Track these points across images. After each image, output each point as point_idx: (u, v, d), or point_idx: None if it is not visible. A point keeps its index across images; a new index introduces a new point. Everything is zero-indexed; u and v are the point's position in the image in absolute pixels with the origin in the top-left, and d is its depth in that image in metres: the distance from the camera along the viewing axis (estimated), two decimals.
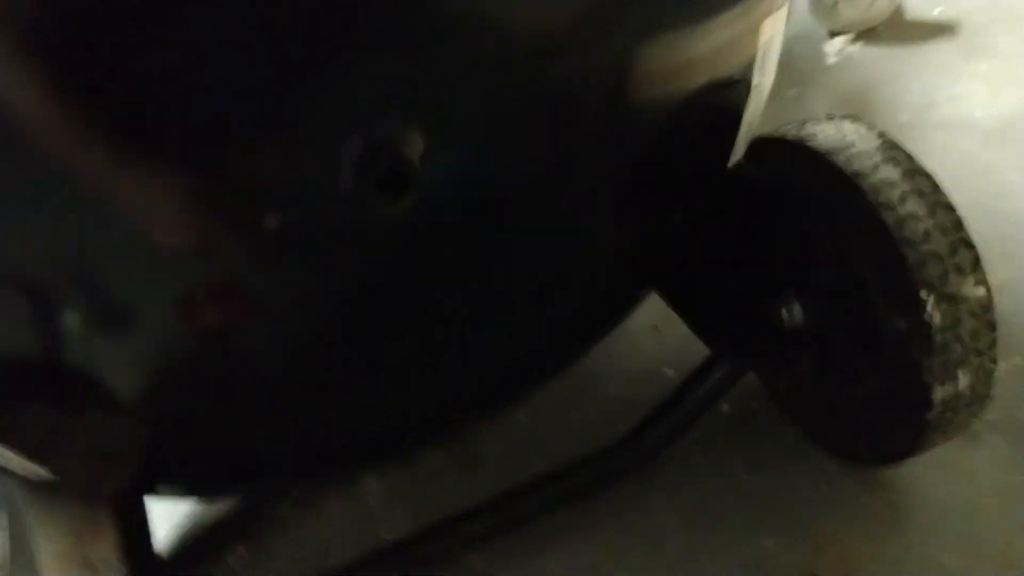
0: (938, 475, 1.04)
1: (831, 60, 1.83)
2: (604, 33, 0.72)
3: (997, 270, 1.22)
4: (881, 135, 0.91)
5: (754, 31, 0.85)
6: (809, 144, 0.91)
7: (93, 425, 0.80)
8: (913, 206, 0.85)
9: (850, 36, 1.89)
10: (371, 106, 0.64)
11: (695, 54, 0.79)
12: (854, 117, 0.95)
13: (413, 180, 0.63)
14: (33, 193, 0.65)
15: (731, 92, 0.88)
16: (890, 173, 0.86)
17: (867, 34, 1.90)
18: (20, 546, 0.79)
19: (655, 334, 1.25)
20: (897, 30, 1.93)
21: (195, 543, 1.06)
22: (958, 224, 0.85)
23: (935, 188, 0.87)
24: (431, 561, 1.01)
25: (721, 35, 0.81)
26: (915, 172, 0.87)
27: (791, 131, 0.94)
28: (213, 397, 0.85)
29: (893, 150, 0.89)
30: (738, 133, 0.92)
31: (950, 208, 0.86)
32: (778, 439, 1.10)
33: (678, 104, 0.82)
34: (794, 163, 0.93)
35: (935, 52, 1.85)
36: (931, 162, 0.95)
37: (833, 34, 1.90)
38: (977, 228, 0.89)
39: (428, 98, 0.66)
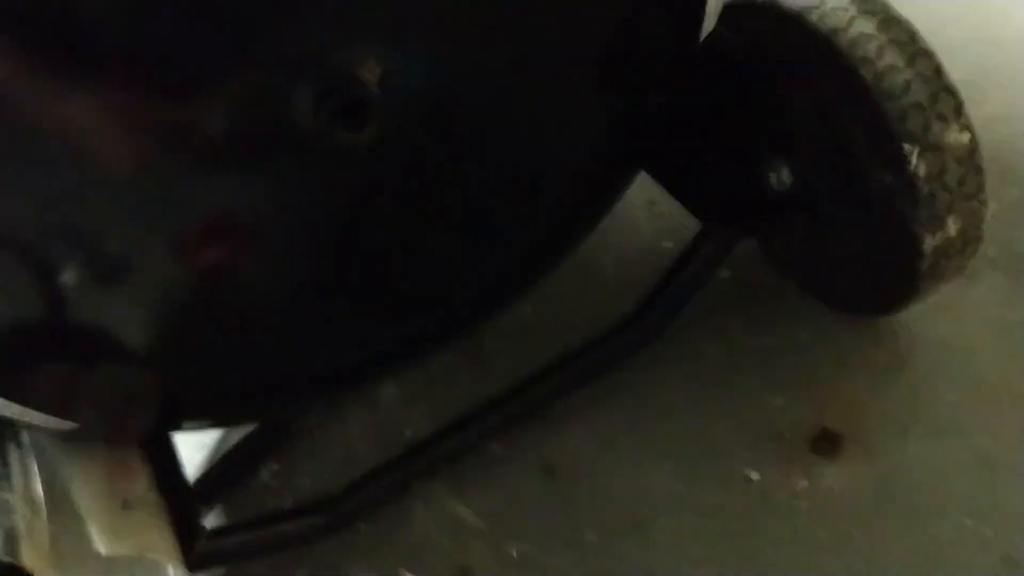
0: (938, 317, 1.06)
1: None
2: None
3: (992, 100, 1.21)
4: None
5: None
6: (781, 5, 0.89)
7: (108, 375, 0.82)
8: (891, 58, 0.83)
9: None
10: (322, 40, 0.63)
11: None
12: None
13: (373, 109, 0.63)
14: (10, 156, 0.66)
15: None
16: (866, 26, 0.85)
17: None
18: (58, 494, 0.82)
19: (652, 209, 1.25)
20: None
21: (227, 464, 1.10)
22: (938, 71, 0.84)
23: (912, 36, 0.85)
24: (452, 457, 1.05)
25: None
26: (891, 21, 0.86)
27: None
28: (218, 332, 0.87)
29: (868, 1, 0.87)
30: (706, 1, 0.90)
31: (929, 55, 0.85)
32: (778, 300, 1.12)
33: None
34: (768, 26, 0.91)
35: None
36: None
37: None
38: (969, 59, 0.88)
39: (378, 20, 0.65)
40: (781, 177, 0.97)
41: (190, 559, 0.85)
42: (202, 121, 0.68)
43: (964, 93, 0.87)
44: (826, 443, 0.99)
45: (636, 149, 0.98)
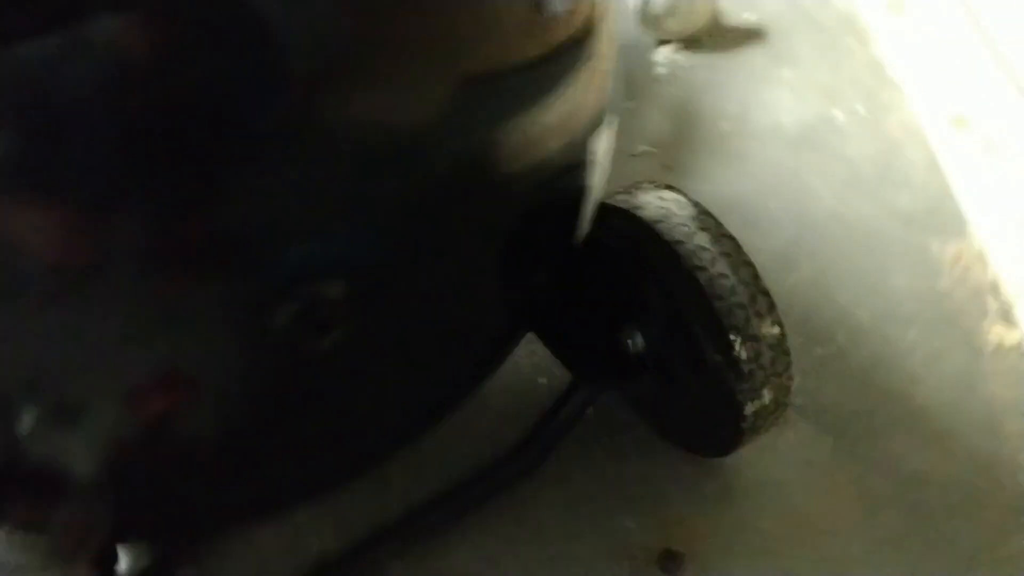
0: (759, 456, 1.30)
1: (660, 70, 2.05)
2: (459, 130, 0.91)
3: (802, 267, 1.50)
4: (695, 204, 1.14)
5: (586, 116, 1.05)
6: (639, 214, 1.14)
7: (70, 510, 0.96)
8: (720, 266, 1.09)
9: (676, 44, 2.12)
10: (304, 271, 0.83)
11: (539, 145, 1.00)
12: (672, 187, 1.18)
13: (339, 322, 0.82)
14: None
15: (575, 173, 1.10)
16: (702, 239, 1.10)
17: (690, 41, 2.13)
18: None
19: (531, 353, 1.47)
20: (716, 36, 2.17)
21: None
22: (755, 277, 1.10)
23: (737, 249, 1.11)
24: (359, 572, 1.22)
25: (558, 124, 1.01)
26: (721, 236, 1.11)
27: (624, 201, 1.17)
28: (163, 468, 1.02)
29: (704, 217, 1.13)
30: (585, 206, 1.13)
31: (749, 264, 1.11)
32: (634, 436, 1.35)
33: (530, 189, 1.02)
34: (629, 228, 1.16)
35: (747, 58, 2.11)
36: (748, 169, 1.16)
37: (660, 43, 2.12)
38: (785, 231, 1.13)
39: (345, 258, 0.85)
40: (636, 343, 1.21)
41: None
42: (179, 299, 0.85)
43: (779, 260, 1.12)
44: (671, 562, 1.21)
45: (525, 316, 1.20)
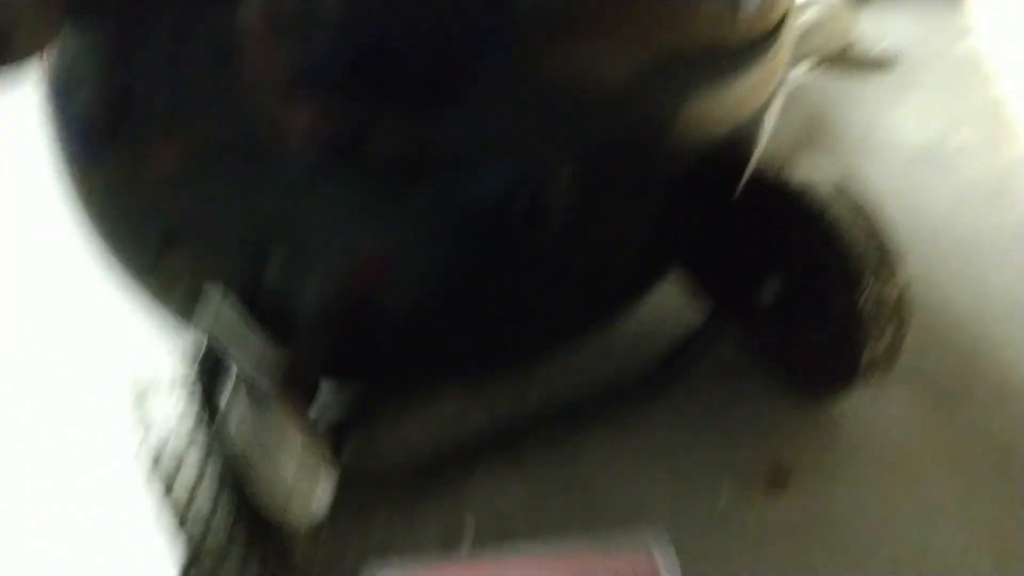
0: (863, 409, 1.49)
1: (795, 82, 2.26)
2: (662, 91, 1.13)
3: (911, 264, 1.68)
4: (835, 180, 1.35)
5: (765, 89, 1.27)
6: (788, 187, 1.36)
7: (295, 342, 1.19)
8: (858, 233, 1.30)
9: (812, 61, 2.32)
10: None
11: (730, 112, 1.22)
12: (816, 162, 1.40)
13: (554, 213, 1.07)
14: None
15: (748, 136, 1.32)
16: (842, 209, 1.32)
17: (826, 60, 2.34)
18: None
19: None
20: (851, 59, 2.38)
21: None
22: (883, 244, 1.31)
23: (869, 218, 1.32)
24: (496, 457, 1.45)
25: (742, 94, 1.24)
26: (858, 209, 1.32)
27: (773, 174, 1.38)
28: (374, 320, 1.23)
29: (843, 190, 1.34)
30: (747, 167, 1.36)
31: (881, 234, 1.31)
32: (751, 377, 1.55)
33: (712, 147, 1.24)
34: (780, 195, 1.37)
35: (877, 83, 2.31)
36: (866, 177, 1.34)
37: (799, 58, 2.32)
38: (900, 233, 1.32)
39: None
40: (770, 290, 1.42)
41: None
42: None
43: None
44: (778, 481, 1.41)
45: (683, 250, 1.42)
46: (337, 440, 1.35)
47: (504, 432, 1.47)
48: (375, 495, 1.38)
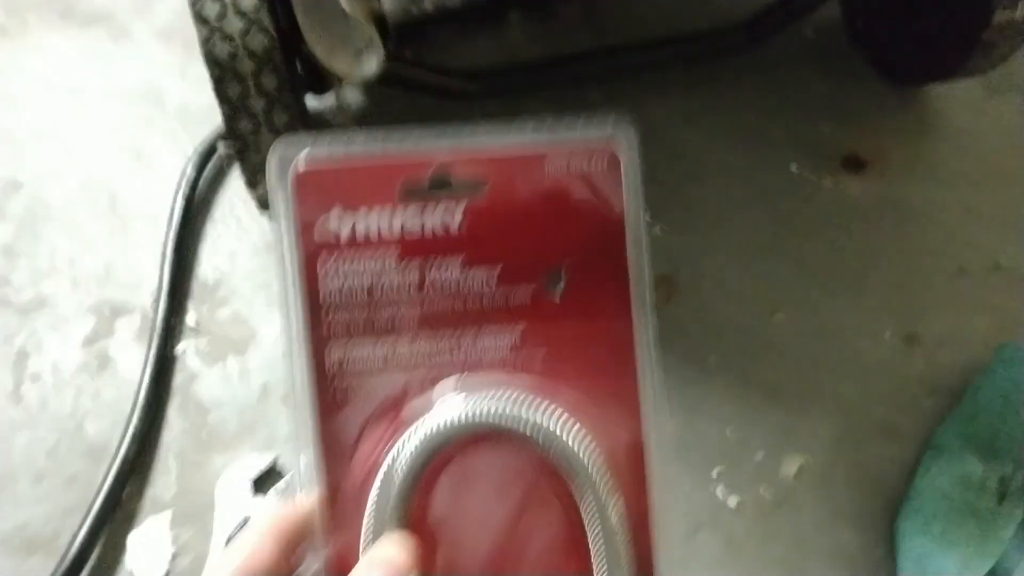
0: (960, 112, 1.33)
1: None
2: None
3: None
4: None
5: None
6: None
7: None
8: None
9: None
10: None
11: None
12: None
13: None
14: None
15: None
16: None
17: None
18: None
19: None
20: None
21: None
22: None
23: None
24: (556, 84, 1.29)
25: None
26: None
27: None
28: None
29: None
30: None
31: None
32: (847, 62, 1.37)
33: None
34: None
35: None
36: None
37: None
38: None
39: None
40: None
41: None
42: None
43: None
44: (853, 164, 1.26)
45: None
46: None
47: (565, 67, 1.30)
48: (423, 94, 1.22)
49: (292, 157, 0.41)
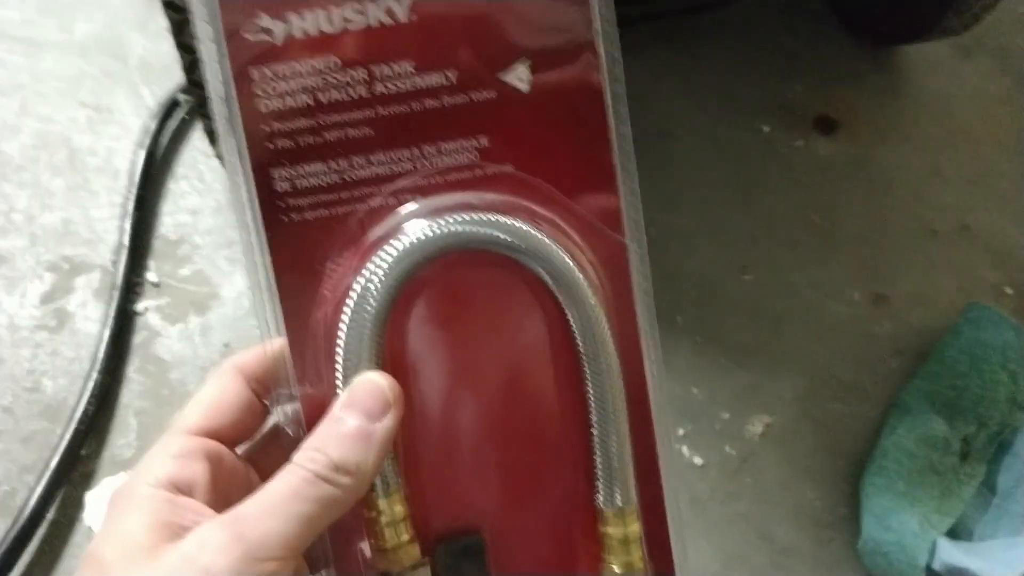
0: (933, 72, 1.33)
1: None
2: None
3: None
4: None
5: None
6: None
7: None
8: None
9: None
10: None
11: None
12: None
13: None
14: None
15: None
16: None
17: None
18: None
19: None
20: None
21: None
22: None
23: None
24: None
25: None
26: None
27: None
28: None
29: None
30: None
31: None
32: (819, 21, 1.36)
33: None
34: None
35: None
36: None
37: None
38: None
39: None
40: None
41: None
42: None
43: None
44: (825, 125, 1.26)
45: None
46: None
47: None
48: None
49: None
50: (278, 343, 0.36)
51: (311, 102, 0.35)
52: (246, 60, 0.35)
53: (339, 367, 0.36)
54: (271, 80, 0.35)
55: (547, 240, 0.36)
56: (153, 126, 1.15)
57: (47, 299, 1.05)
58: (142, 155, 1.13)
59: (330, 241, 0.36)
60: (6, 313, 1.04)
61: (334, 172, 0.36)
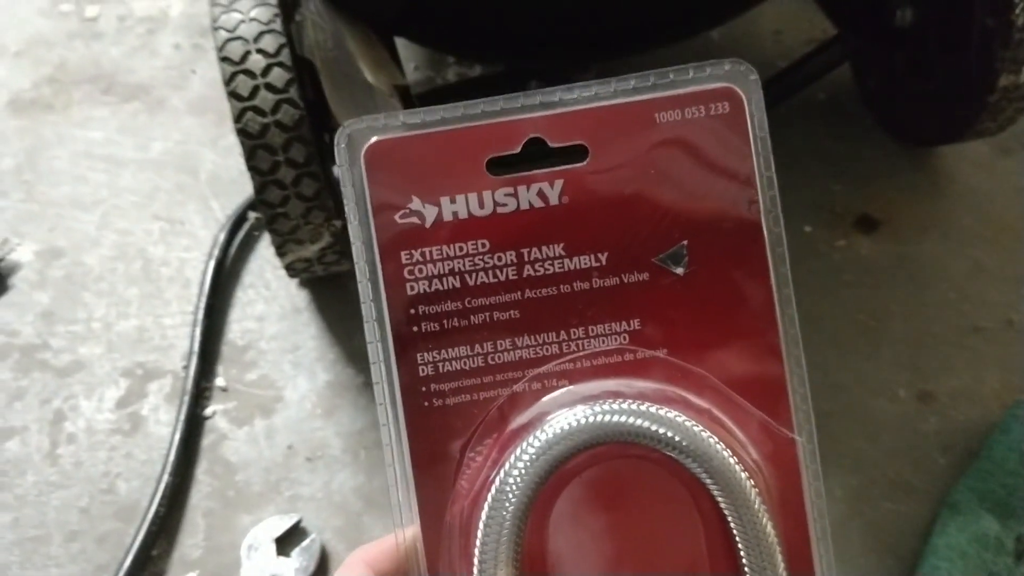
0: (971, 170, 1.35)
1: None
2: None
3: None
4: None
5: None
6: None
7: None
8: None
9: None
10: None
11: None
12: None
13: None
14: None
15: None
16: None
17: None
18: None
19: (776, 37, 1.53)
20: None
21: None
22: None
23: None
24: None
25: None
26: None
27: None
28: None
29: None
30: None
31: None
32: (857, 123, 1.40)
33: None
34: None
35: None
36: None
37: None
38: None
39: None
40: (905, 15, 1.25)
41: None
42: None
43: None
44: (866, 224, 1.29)
45: None
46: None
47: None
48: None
49: (363, 137, 0.35)
50: (410, 533, 0.35)
51: (458, 284, 0.35)
52: (394, 242, 0.35)
53: (476, 570, 0.35)
54: (419, 263, 0.35)
55: (704, 434, 0.34)
56: (222, 238, 1.22)
57: (122, 404, 1.12)
58: (212, 265, 1.20)
59: (470, 428, 0.36)
60: (84, 417, 1.11)
61: (478, 356, 0.36)
